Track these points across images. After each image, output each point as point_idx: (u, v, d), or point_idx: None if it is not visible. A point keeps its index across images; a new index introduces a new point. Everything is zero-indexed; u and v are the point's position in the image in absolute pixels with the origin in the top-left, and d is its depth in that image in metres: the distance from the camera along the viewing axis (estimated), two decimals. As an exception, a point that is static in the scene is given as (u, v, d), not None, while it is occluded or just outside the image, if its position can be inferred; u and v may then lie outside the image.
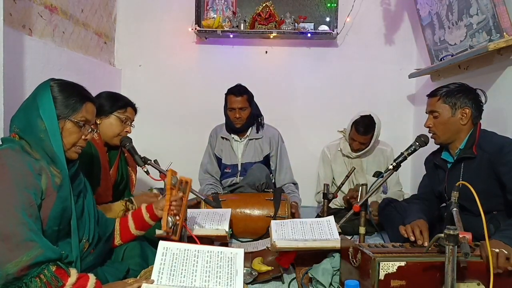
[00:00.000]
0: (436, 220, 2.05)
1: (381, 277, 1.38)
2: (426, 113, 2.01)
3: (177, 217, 1.65)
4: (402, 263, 1.39)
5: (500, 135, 1.91)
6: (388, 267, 1.38)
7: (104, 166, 1.96)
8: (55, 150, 1.34)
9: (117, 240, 1.66)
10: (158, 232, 1.99)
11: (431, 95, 1.98)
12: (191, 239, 1.66)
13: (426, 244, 1.66)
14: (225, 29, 3.33)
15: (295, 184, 2.95)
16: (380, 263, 1.38)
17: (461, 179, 1.87)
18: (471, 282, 1.42)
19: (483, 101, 1.95)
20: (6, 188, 1.23)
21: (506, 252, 1.43)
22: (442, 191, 2.02)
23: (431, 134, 1.99)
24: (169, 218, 1.60)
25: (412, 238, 1.69)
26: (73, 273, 1.27)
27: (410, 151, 1.99)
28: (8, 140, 1.35)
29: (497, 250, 1.43)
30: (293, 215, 2.54)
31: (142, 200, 1.99)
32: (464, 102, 1.89)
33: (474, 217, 1.77)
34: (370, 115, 2.84)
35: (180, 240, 1.73)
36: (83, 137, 1.43)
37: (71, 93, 1.40)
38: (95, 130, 1.52)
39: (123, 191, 2.17)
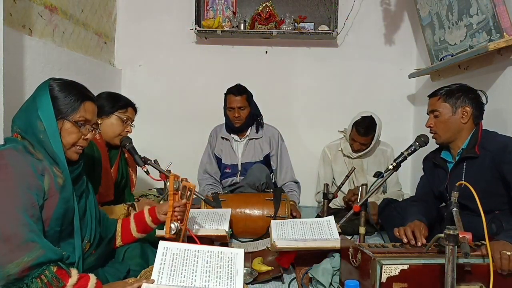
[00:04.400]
0: (436, 220, 2.05)
1: (383, 280, 1.37)
2: (427, 113, 2.01)
3: (181, 223, 1.63)
4: (405, 267, 1.37)
5: (502, 134, 1.92)
6: (391, 270, 1.36)
7: (105, 165, 1.96)
8: (55, 150, 1.33)
9: (118, 242, 1.66)
10: (158, 232, 1.99)
11: (432, 95, 1.99)
12: (191, 239, 1.66)
13: (419, 243, 1.66)
14: (225, 29, 3.33)
15: (296, 182, 2.95)
16: (383, 266, 1.36)
17: (463, 179, 1.87)
18: (474, 285, 1.41)
19: (484, 102, 1.95)
20: (8, 189, 1.23)
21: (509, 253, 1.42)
22: (443, 190, 2.02)
23: (432, 134, 1.99)
24: (173, 225, 1.59)
25: (405, 240, 1.68)
26: (74, 273, 1.27)
27: (410, 151, 1.99)
28: (11, 140, 1.34)
29: (509, 253, 1.41)
30: (294, 217, 2.54)
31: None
32: (465, 101, 1.90)
33: (475, 216, 1.76)
34: (371, 116, 2.83)
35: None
36: (83, 137, 1.42)
37: (69, 92, 1.39)
38: (98, 129, 1.51)
39: (124, 190, 2.18)
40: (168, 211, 1.60)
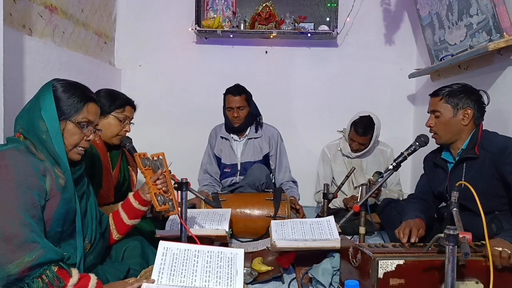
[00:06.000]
0: (434, 219, 2.05)
1: (380, 275, 1.39)
2: (428, 112, 2.01)
3: (167, 194, 1.63)
4: (401, 262, 1.39)
5: (502, 135, 1.91)
6: (387, 265, 1.38)
7: (106, 167, 1.95)
8: (57, 151, 1.33)
9: (115, 235, 1.65)
10: (158, 232, 2.00)
11: (434, 94, 1.98)
12: (191, 239, 1.66)
13: (412, 240, 1.68)
14: (225, 29, 3.33)
15: (294, 182, 2.96)
16: (379, 261, 1.38)
17: (463, 179, 1.87)
18: (470, 280, 1.42)
19: (486, 102, 1.94)
20: (10, 189, 1.23)
21: (509, 252, 1.43)
22: (443, 191, 2.02)
23: (432, 134, 1.99)
24: (159, 197, 1.58)
25: (404, 241, 1.69)
26: (75, 273, 1.27)
27: (410, 151, 1.99)
28: (13, 140, 1.34)
29: (499, 249, 1.42)
30: (297, 211, 2.57)
31: None
32: (466, 102, 1.88)
33: (475, 216, 1.77)
34: (369, 115, 2.84)
35: (180, 240, 1.73)
36: (85, 138, 1.42)
37: (73, 93, 1.39)
38: (100, 130, 1.51)
39: (126, 193, 2.16)
40: (149, 187, 1.60)
